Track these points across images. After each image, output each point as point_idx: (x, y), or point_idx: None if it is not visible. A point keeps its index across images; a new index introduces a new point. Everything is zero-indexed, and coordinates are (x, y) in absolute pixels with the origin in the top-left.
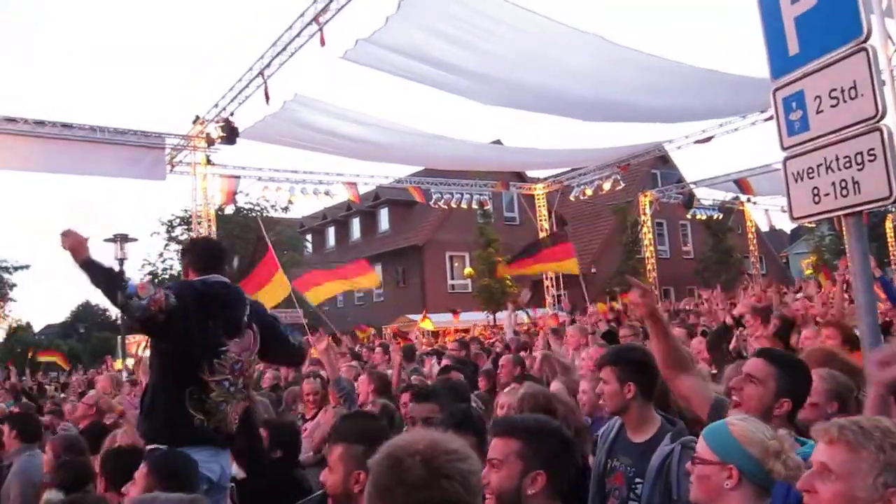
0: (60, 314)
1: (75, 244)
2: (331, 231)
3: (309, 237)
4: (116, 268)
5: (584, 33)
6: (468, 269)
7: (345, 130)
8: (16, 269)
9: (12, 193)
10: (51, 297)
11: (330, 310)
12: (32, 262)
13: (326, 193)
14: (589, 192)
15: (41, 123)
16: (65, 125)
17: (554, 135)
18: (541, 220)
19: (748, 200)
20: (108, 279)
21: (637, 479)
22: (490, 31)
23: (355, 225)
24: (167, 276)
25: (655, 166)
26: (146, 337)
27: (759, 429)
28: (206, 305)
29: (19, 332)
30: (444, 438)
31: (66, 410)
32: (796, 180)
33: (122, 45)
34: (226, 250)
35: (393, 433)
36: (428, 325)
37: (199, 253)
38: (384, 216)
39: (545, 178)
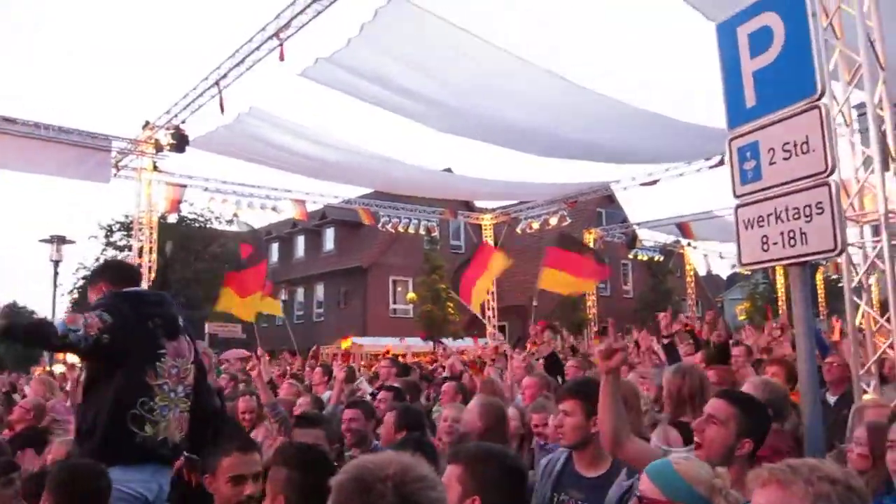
0: None
1: None
2: (275, 247)
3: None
4: (34, 316)
5: (540, 69)
6: (411, 294)
7: (297, 147)
8: None
9: None
10: None
11: (268, 327)
12: None
13: (273, 209)
14: (536, 225)
15: None
16: (7, 119)
17: (504, 167)
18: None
19: (688, 244)
20: (34, 332)
21: None
22: (448, 59)
23: (300, 242)
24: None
25: (601, 205)
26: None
27: (702, 466)
28: (140, 307)
29: None
30: (414, 463)
31: None
32: (746, 228)
33: (72, 40)
34: (140, 273)
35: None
36: (346, 345)
37: (115, 271)
38: (330, 236)
39: (493, 209)
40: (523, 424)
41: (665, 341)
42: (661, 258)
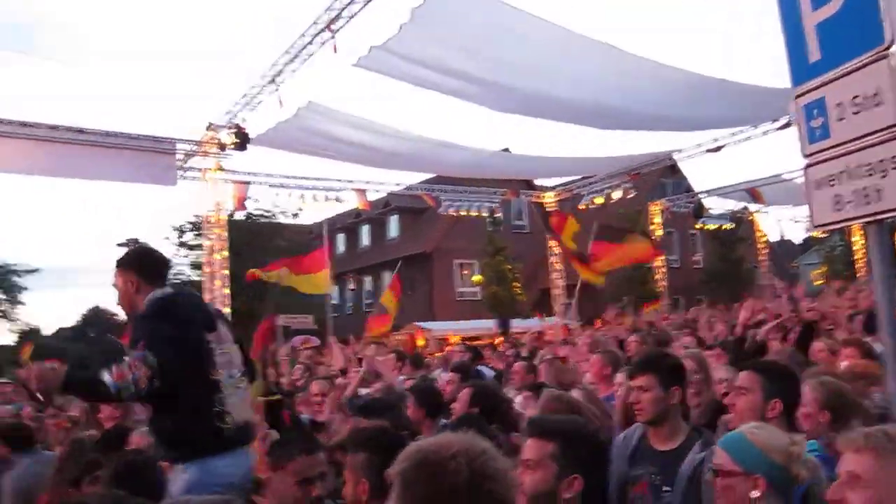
0: (71, 318)
1: (44, 382)
2: (340, 238)
3: (319, 244)
4: (91, 377)
5: (594, 41)
6: (477, 277)
7: (356, 138)
8: (26, 272)
9: (24, 197)
10: (61, 300)
11: (339, 316)
12: (43, 266)
13: (337, 200)
14: (599, 200)
15: (54, 128)
16: (78, 130)
17: (563, 143)
18: (551, 227)
19: (759, 210)
20: (90, 391)
21: (665, 488)
22: (500, 38)
23: (364, 232)
24: (178, 282)
25: (665, 175)
26: None
27: (777, 435)
28: (180, 315)
29: (30, 336)
30: (471, 438)
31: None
32: (818, 188)
33: (136, 49)
34: (168, 260)
35: None
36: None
37: (148, 266)
38: (393, 223)
39: (555, 187)
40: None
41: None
42: (732, 226)
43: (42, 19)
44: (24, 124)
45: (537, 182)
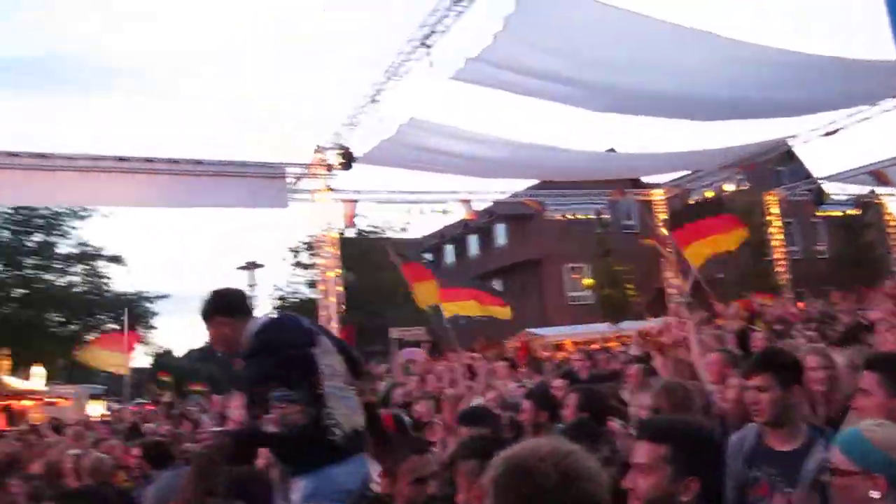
0: (199, 340)
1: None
2: (449, 249)
3: (428, 256)
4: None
5: (694, 31)
6: (588, 280)
7: (459, 149)
8: (157, 298)
9: (152, 228)
10: (189, 324)
11: (451, 326)
12: (172, 292)
13: (443, 212)
14: (710, 194)
15: (175, 162)
16: (196, 161)
17: (668, 138)
18: (660, 227)
19: (887, 193)
20: (266, 444)
21: (786, 489)
22: (598, 38)
23: (473, 241)
24: (296, 301)
25: (780, 163)
26: None
27: None
28: (286, 339)
29: (164, 359)
30: (557, 441)
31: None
32: None
33: (248, 85)
34: (242, 292)
35: None
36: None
37: (226, 303)
38: (501, 231)
39: (663, 184)
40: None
41: None
42: (858, 211)
43: (156, 59)
44: (147, 160)
45: (644, 179)
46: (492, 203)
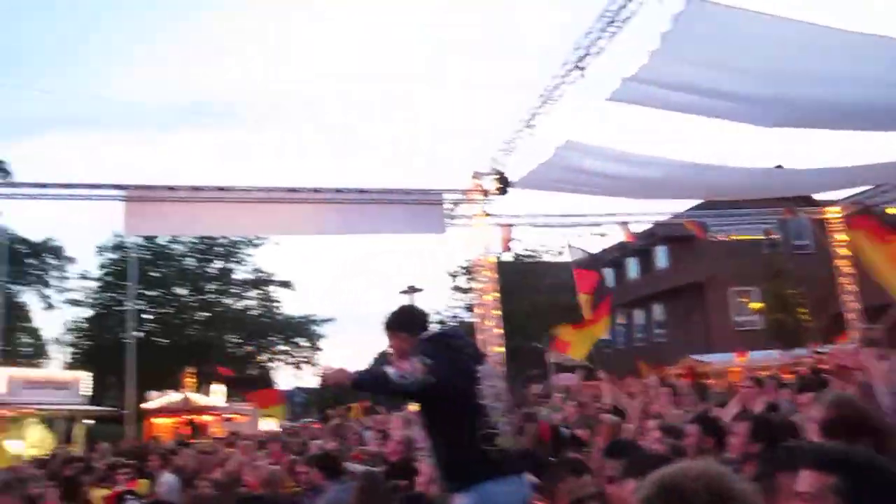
0: (363, 362)
1: (337, 379)
2: (608, 273)
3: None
4: (375, 369)
5: (865, 36)
6: (756, 304)
7: (616, 171)
8: (323, 321)
9: (319, 255)
10: (354, 346)
11: (610, 352)
12: (337, 315)
13: (601, 235)
14: (893, 211)
15: (339, 191)
16: (360, 190)
17: (844, 149)
18: (837, 247)
19: None
20: (375, 381)
21: None
22: (760, 49)
23: (632, 264)
24: (455, 325)
25: None
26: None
27: None
28: (450, 344)
29: None
30: (705, 462)
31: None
32: None
33: (407, 113)
34: (425, 313)
35: None
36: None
37: (409, 320)
38: (661, 253)
39: (840, 200)
40: None
41: None
42: None
43: (320, 93)
44: (315, 190)
45: (816, 196)
46: (651, 224)
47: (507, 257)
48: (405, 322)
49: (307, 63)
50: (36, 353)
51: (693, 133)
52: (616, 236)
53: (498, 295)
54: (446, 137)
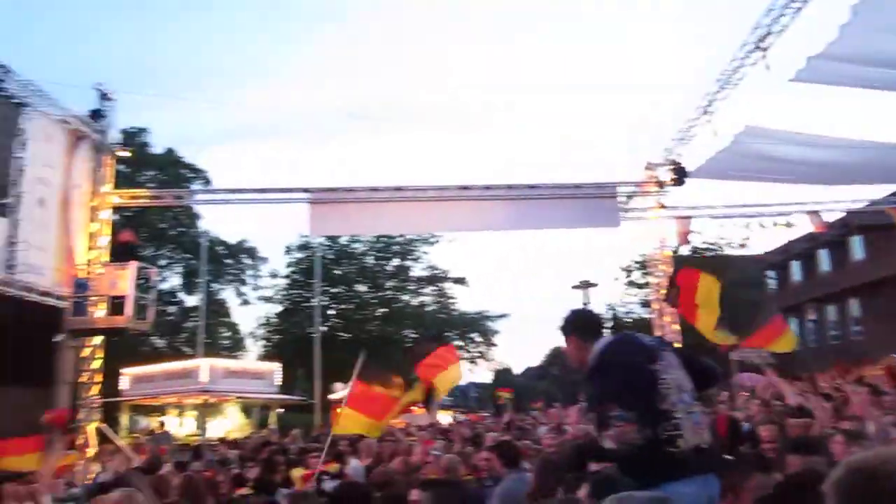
0: (536, 358)
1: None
2: (795, 265)
3: (772, 274)
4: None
5: None
6: None
7: (803, 155)
8: (497, 317)
9: (492, 251)
10: (527, 342)
11: (801, 349)
12: (511, 311)
13: (787, 225)
14: None
15: (511, 187)
16: (530, 186)
17: None
18: None
19: None
20: (605, 458)
21: None
22: None
23: (823, 256)
24: (629, 321)
25: None
26: None
27: None
28: (630, 358)
29: (503, 376)
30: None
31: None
32: None
33: (574, 106)
34: (598, 316)
35: None
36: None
37: (583, 326)
38: (857, 245)
39: None
40: None
41: None
42: None
43: (490, 91)
44: (486, 187)
45: None
46: (845, 213)
47: (684, 251)
48: (579, 328)
49: (473, 68)
50: (234, 346)
51: (891, 111)
52: (804, 227)
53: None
54: (618, 128)
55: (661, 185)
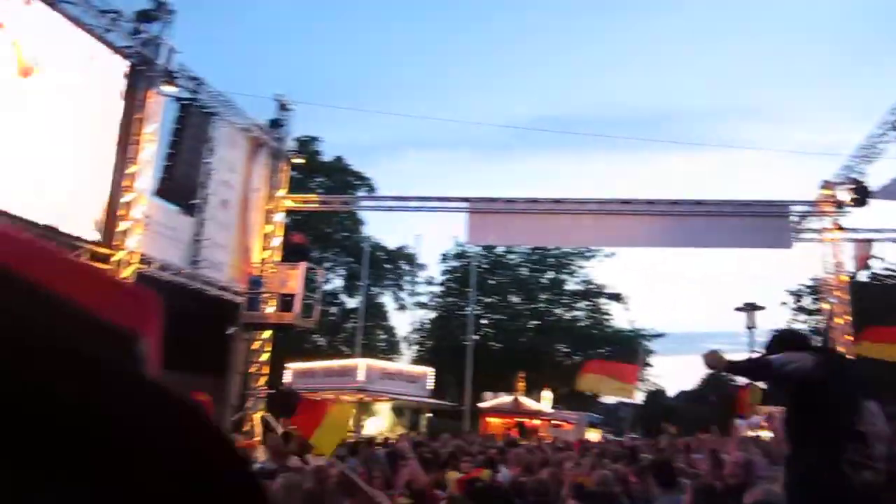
0: (691, 381)
1: (712, 363)
2: None
3: None
4: (757, 357)
5: None
6: None
7: None
8: (653, 336)
9: (651, 268)
10: (682, 364)
11: None
12: (668, 331)
13: None
14: None
15: (675, 202)
16: (696, 202)
17: None
18: None
19: None
20: (756, 367)
21: None
22: None
23: None
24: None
25: None
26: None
27: None
28: (844, 365)
29: (656, 397)
30: None
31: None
32: None
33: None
34: (807, 338)
35: None
36: None
37: (788, 342)
38: None
39: None
40: None
41: None
42: None
43: (668, 113)
44: (649, 202)
45: None
46: None
47: (863, 276)
48: (781, 346)
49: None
50: (389, 348)
51: None
52: None
53: (850, 318)
54: (789, 144)
55: (839, 204)
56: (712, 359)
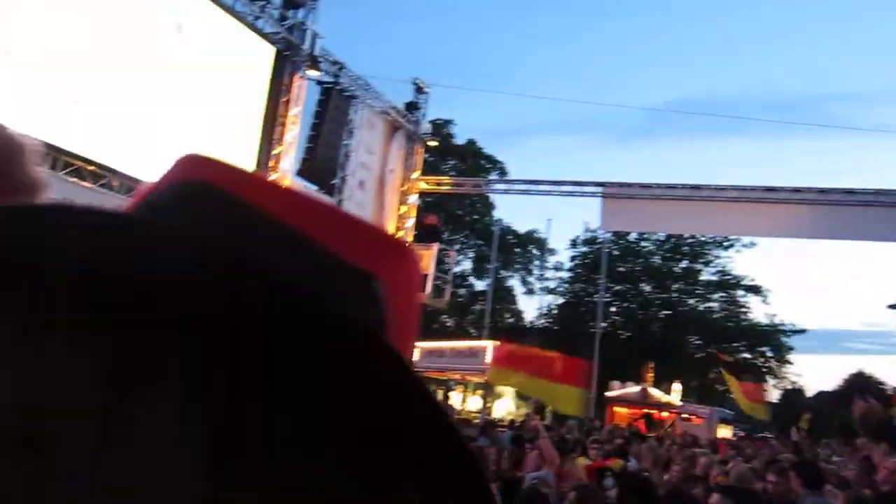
0: (832, 381)
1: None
2: None
3: None
4: None
5: None
6: None
7: None
8: (793, 332)
9: (796, 260)
10: (825, 363)
11: None
12: (810, 327)
13: None
14: None
15: (824, 191)
16: (847, 191)
17: None
18: None
19: None
20: None
21: None
22: None
23: None
24: None
25: None
26: None
27: None
28: None
29: (793, 396)
30: None
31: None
32: None
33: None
34: None
35: None
36: None
37: None
38: None
39: None
40: None
41: None
42: None
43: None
44: (795, 190)
45: None
46: None
47: None
48: None
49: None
50: (516, 333)
51: None
52: None
53: None
54: None
55: None
56: (866, 413)
